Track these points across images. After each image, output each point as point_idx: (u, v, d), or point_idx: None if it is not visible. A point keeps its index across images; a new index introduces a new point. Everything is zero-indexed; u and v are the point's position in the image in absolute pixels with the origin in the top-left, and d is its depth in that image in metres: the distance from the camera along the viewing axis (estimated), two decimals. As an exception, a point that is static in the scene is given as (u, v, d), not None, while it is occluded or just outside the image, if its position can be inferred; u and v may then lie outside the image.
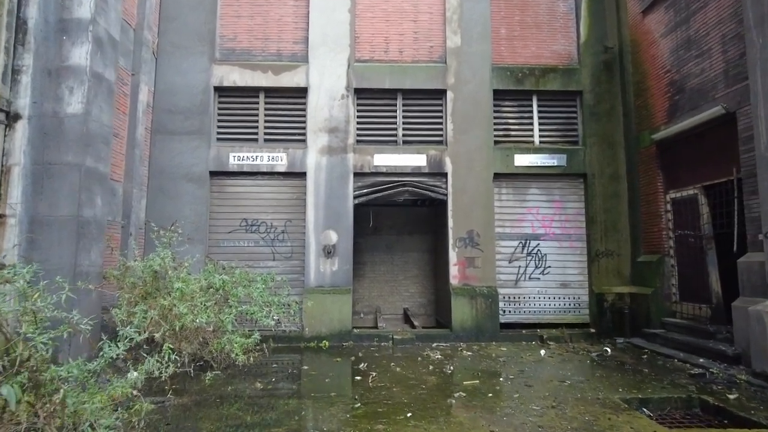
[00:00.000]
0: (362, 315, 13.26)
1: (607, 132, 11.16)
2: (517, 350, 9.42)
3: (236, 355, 7.23)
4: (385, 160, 10.83)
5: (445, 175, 10.89)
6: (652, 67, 10.24)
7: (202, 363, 7.63)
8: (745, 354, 7.35)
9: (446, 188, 10.87)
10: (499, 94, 11.25)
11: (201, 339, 7.51)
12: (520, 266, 10.94)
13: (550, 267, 10.94)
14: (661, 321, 9.74)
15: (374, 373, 7.39)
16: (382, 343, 9.93)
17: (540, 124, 11.30)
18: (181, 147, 10.62)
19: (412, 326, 11.61)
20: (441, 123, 11.17)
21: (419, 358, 8.57)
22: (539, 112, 11.34)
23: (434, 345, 9.84)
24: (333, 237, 10.42)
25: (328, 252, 10.31)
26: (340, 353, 9.16)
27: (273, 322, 7.78)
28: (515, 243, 10.99)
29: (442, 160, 10.87)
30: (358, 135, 11.02)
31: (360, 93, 11.10)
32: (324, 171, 10.67)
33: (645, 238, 10.49)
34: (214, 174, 10.72)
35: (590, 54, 11.32)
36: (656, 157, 10.15)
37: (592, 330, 10.52)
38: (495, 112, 11.21)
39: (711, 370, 7.30)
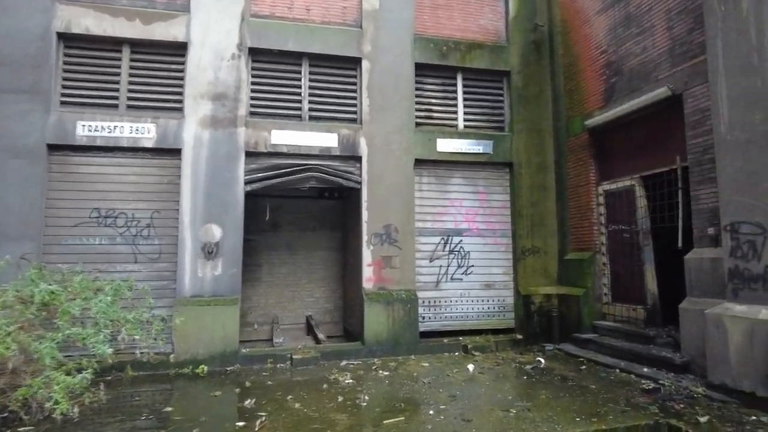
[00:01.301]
0: (256, 327, 11.11)
1: (535, 118, 10.18)
2: (441, 365, 7.98)
3: (56, 403, 4.90)
4: (286, 137, 8.86)
5: (360, 159, 9.19)
6: (586, 47, 9.38)
7: (6, 414, 5.19)
8: (694, 362, 6.51)
9: (361, 174, 9.17)
10: (421, 69, 9.77)
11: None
12: (441, 266, 9.57)
13: (473, 266, 9.70)
14: (592, 324, 8.87)
15: (264, 414, 5.45)
16: (279, 365, 7.96)
17: (465, 106, 10.03)
18: (4, 110, 7.78)
19: (316, 339, 9.75)
20: (355, 97, 9.44)
21: (325, 385, 6.76)
22: (464, 93, 10.06)
23: (343, 364, 8.08)
24: (216, 233, 8.23)
25: (210, 252, 8.10)
26: (221, 382, 7.05)
27: (110, 351, 5.48)
28: (437, 239, 9.60)
29: (356, 142, 9.15)
30: (252, 105, 8.91)
31: (256, 54, 9.00)
32: (206, 148, 8.43)
33: (575, 234, 9.63)
34: (54, 148, 8.00)
35: (519, 31, 10.26)
36: (589, 145, 9.30)
37: (519, 336, 9.44)
38: (417, 89, 9.73)
39: (661, 382, 6.35)
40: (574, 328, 9.02)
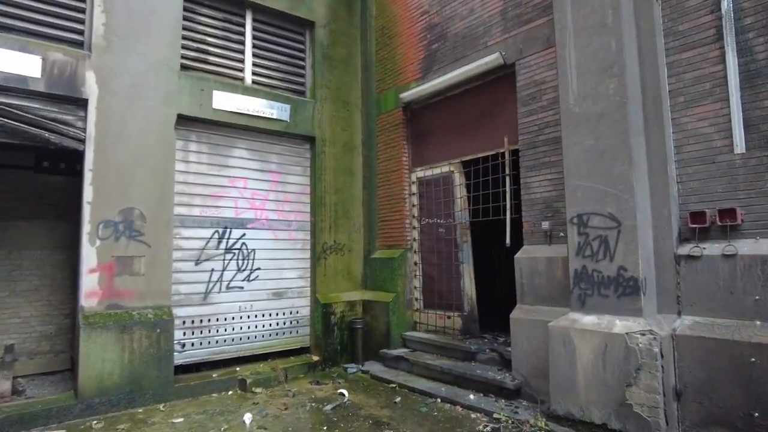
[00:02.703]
0: None
1: (343, 86, 8.29)
2: (203, 417, 5.34)
3: None
4: (-70, 46, 5.01)
5: (85, 103, 5.87)
6: (404, 7, 7.88)
7: None
8: (528, 385, 5.37)
9: (85, 128, 5.85)
10: (193, -9, 6.94)
11: None
12: (214, 270, 6.85)
13: (259, 269, 7.26)
14: (402, 336, 7.35)
15: None
16: None
17: (256, 56, 7.53)
18: None
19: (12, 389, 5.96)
20: (83, 8, 6.07)
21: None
22: (256, 38, 7.55)
23: (29, 438, 4.77)
24: None
25: None
26: None
27: None
28: (208, 233, 6.85)
29: (77, 75, 5.80)
30: None
31: None
32: None
33: (384, 228, 8.03)
34: None
35: (327, -25, 8.26)
36: (402, 124, 7.81)
37: (315, 357, 7.38)
38: (186, 18, 6.83)
39: (496, 416, 5.01)
40: (383, 343, 7.37)
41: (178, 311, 6.42)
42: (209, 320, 6.75)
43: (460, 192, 7.01)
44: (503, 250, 9.36)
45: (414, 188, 7.72)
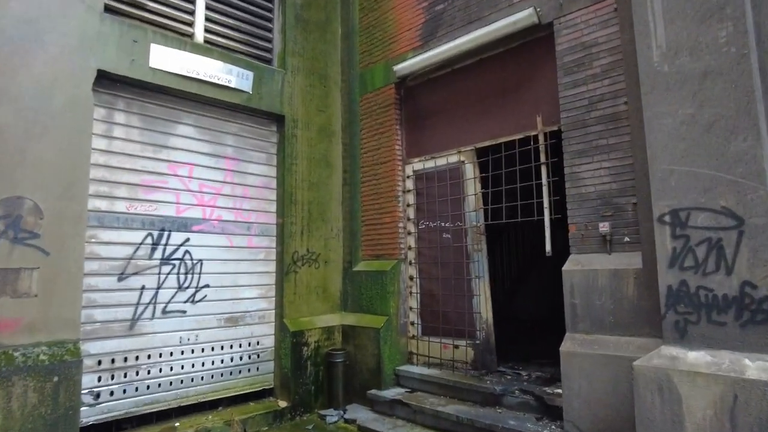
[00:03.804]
0: None
1: (319, 56, 6.67)
2: None
3: None
4: None
5: (-54, 40, 3.93)
6: (398, -41, 6.43)
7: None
8: (589, 445, 3.94)
9: (-57, 75, 3.90)
10: None
11: None
12: (145, 287, 4.96)
13: (208, 287, 5.43)
14: (395, 372, 5.76)
15: None
16: None
17: (210, 8, 5.76)
18: None
19: None
20: None
21: None
22: (208, -15, 5.83)
23: None
24: None
25: None
26: None
27: None
28: (138, 236, 4.97)
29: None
30: None
31: None
32: None
33: (369, 234, 6.42)
34: None
35: None
36: (394, 104, 6.30)
37: (282, 402, 5.62)
38: (112, -56, 5.01)
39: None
40: (371, 381, 5.73)
41: (90, 347, 4.51)
42: (137, 358, 4.85)
43: (473, 187, 5.57)
44: (518, 257, 8.06)
45: (409, 184, 6.20)
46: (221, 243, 5.56)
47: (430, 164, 5.99)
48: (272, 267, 5.98)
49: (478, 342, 5.42)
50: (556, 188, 4.81)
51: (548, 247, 4.71)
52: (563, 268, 4.39)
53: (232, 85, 5.63)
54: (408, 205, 6.17)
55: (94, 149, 4.68)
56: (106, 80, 4.79)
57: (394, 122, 6.29)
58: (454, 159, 5.75)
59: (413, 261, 6.07)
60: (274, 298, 5.92)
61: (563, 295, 4.35)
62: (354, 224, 6.56)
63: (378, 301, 5.98)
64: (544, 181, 4.86)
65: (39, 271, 4.16)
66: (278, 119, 6.18)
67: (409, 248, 6.11)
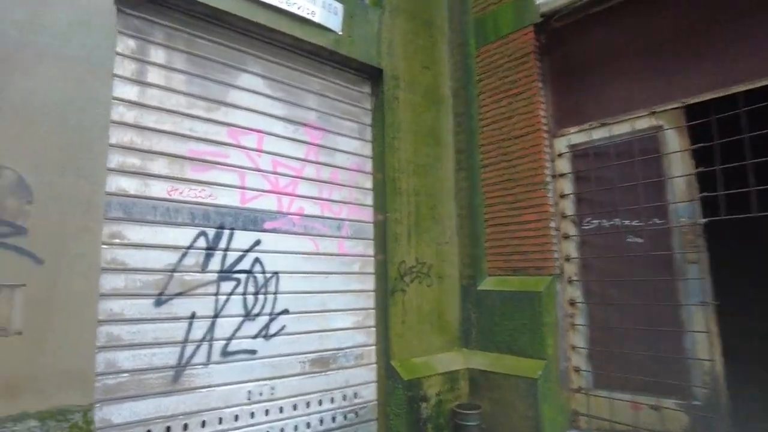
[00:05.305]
0: None
1: (423, -7, 4.91)
2: None
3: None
4: None
5: None
6: None
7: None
8: None
9: None
10: None
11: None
12: (195, 315, 3.18)
13: (287, 312, 3.61)
14: (557, 444, 3.83)
15: None
16: None
17: None
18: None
19: None
20: None
21: None
22: None
23: None
24: None
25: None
26: None
27: None
28: (185, 235, 3.19)
29: None
30: None
31: None
32: None
33: (497, 237, 4.53)
34: None
35: None
36: (534, 54, 4.44)
37: (389, 485, 3.75)
38: None
39: None
40: (523, 456, 3.81)
41: (112, 413, 2.75)
42: (186, 427, 3.05)
43: (680, 166, 3.65)
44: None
45: (563, 164, 4.31)
46: (304, 248, 3.76)
47: (599, 134, 4.10)
48: (370, 283, 4.14)
49: (696, 402, 3.46)
50: None
51: None
52: None
53: (315, 19, 3.88)
54: (561, 196, 4.28)
55: (116, 99, 2.97)
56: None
57: (534, 79, 4.43)
58: (643, 124, 3.85)
59: (574, 278, 4.15)
60: (374, 329, 4.08)
61: None
62: (474, 224, 4.68)
63: (525, 337, 4.06)
64: None
65: (24, 290, 2.42)
66: (373, 75, 4.39)
67: (567, 259, 4.20)
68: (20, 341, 2.42)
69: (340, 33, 4.05)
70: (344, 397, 3.81)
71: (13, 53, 2.56)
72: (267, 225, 3.58)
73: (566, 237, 4.22)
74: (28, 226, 2.47)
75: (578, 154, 4.24)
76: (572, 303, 4.12)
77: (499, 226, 4.53)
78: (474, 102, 4.85)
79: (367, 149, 4.34)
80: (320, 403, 3.67)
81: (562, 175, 4.29)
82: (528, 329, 4.05)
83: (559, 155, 4.33)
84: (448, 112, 4.89)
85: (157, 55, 3.22)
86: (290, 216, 3.73)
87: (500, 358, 4.18)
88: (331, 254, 3.92)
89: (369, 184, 4.30)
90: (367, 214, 4.24)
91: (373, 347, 4.05)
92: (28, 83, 2.58)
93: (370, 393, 3.96)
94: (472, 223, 4.71)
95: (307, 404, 3.60)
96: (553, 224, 4.21)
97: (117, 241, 2.91)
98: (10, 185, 2.43)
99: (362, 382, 3.93)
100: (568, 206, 4.25)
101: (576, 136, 4.26)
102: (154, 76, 3.18)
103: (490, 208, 4.62)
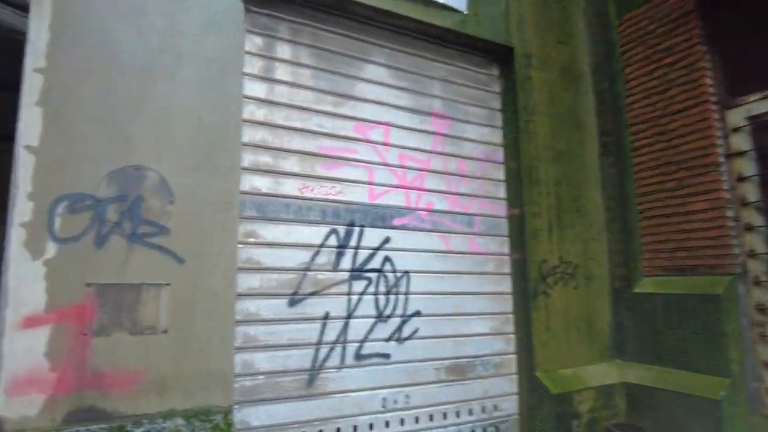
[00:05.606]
0: None
1: (555, -41, 4.41)
2: None
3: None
4: None
5: None
6: None
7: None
8: None
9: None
10: None
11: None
12: (328, 316, 3.06)
13: (419, 314, 3.36)
14: (749, 483, 3.12)
15: None
16: None
17: None
18: None
19: None
20: None
21: None
22: None
23: None
24: None
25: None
26: None
27: None
28: (316, 234, 3.10)
29: None
30: None
31: None
32: None
33: (657, 231, 3.88)
34: None
35: None
36: (695, 13, 3.73)
37: None
38: None
39: None
40: (705, 495, 3.17)
41: (251, 415, 2.72)
42: (322, 429, 2.94)
43: None
44: None
45: (740, 141, 3.55)
46: (434, 246, 3.50)
47: (795, 100, 3.30)
48: (507, 285, 3.76)
49: None
50: None
51: None
52: None
53: (440, 0, 3.60)
54: (740, 179, 3.52)
55: (247, 98, 2.95)
56: (261, -3, 3.07)
57: (696, 42, 3.72)
58: None
59: (763, 278, 3.38)
60: (513, 336, 3.68)
61: None
62: (626, 217, 4.08)
63: (699, 349, 3.39)
64: None
65: (169, 289, 2.45)
66: (502, 55, 4.00)
67: (750, 255, 3.44)
68: (167, 340, 2.45)
69: (466, 12, 3.74)
70: (483, 409, 3.46)
71: (157, 58, 2.62)
72: (396, 221, 3.37)
73: (748, 228, 3.45)
74: (170, 226, 2.50)
75: (761, 126, 3.46)
76: (761, 309, 3.36)
77: (657, 218, 3.88)
78: (619, 77, 4.24)
79: (497, 136, 3.96)
80: (458, 414, 3.36)
81: (739, 154, 3.53)
82: (702, 340, 3.37)
83: (735, 130, 3.58)
84: (587, 90, 4.33)
85: (284, 51, 3.17)
86: (418, 212, 3.48)
87: (665, 372, 3.54)
88: (462, 252, 3.61)
89: (501, 174, 3.92)
90: (500, 208, 3.85)
91: (513, 356, 3.65)
92: (168, 86, 2.63)
93: (511, 406, 3.57)
94: (623, 215, 4.10)
95: (444, 415, 3.31)
96: (730, 213, 3.48)
97: (252, 240, 2.88)
98: (153, 186, 2.47)
99: (502, 393, 3.55)
100: (750, 190, 3.48)
101: (758, 105, 3.48)
102: (281, 72, 3.14)
103: (645, 198, 3.98)
